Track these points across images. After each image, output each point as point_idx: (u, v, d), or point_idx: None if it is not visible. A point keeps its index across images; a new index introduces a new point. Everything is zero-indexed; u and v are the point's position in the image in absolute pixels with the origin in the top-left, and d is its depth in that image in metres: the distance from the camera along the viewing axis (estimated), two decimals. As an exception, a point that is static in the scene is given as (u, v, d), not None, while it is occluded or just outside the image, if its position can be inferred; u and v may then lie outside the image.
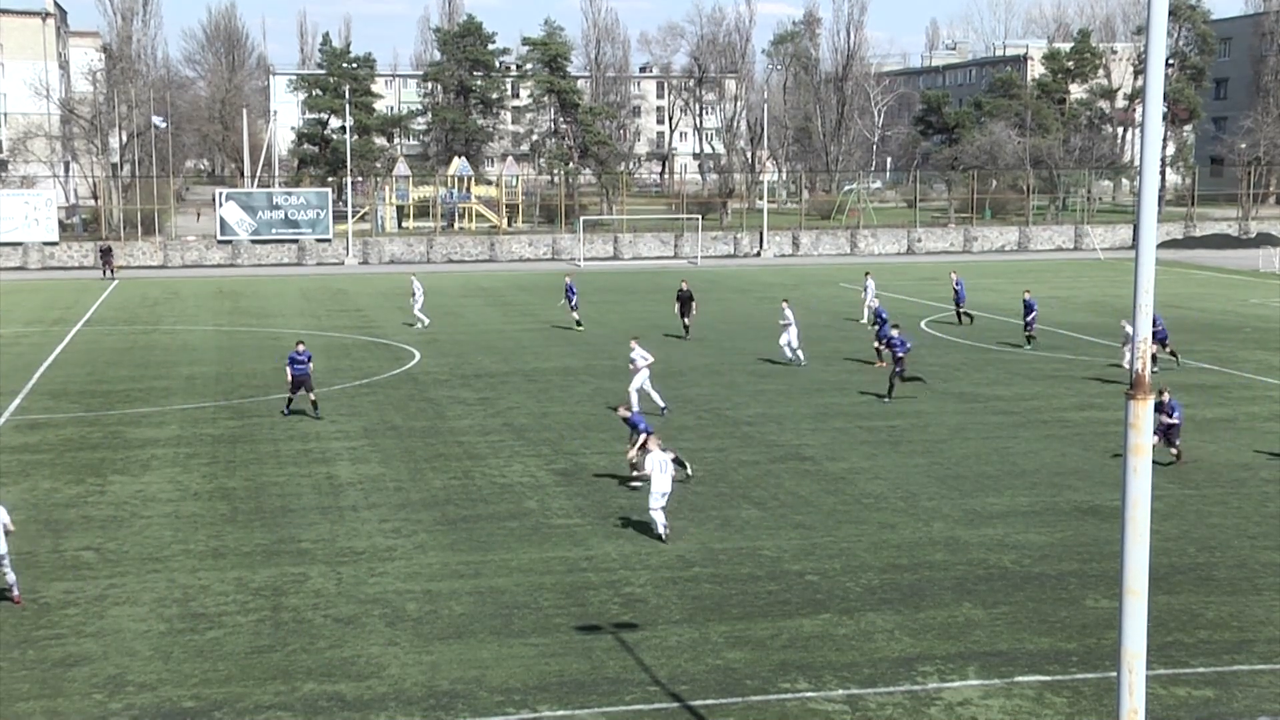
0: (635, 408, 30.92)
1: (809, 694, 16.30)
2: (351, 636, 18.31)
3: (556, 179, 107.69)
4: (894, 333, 36.28)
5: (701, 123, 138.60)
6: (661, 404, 33.20)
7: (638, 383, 32.99)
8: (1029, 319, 44.74)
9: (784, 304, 42.24)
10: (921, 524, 23.68)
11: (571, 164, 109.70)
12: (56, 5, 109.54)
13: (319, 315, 54.79)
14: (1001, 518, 24.07)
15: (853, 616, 18.96)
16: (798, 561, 21.54)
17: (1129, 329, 34.35)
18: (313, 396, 33.67)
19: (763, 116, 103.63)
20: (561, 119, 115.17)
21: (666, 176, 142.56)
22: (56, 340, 48.60)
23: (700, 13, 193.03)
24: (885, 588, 20.18)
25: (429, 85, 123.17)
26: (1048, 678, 16.76)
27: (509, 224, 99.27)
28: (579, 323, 50.45)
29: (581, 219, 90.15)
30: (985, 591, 20.01)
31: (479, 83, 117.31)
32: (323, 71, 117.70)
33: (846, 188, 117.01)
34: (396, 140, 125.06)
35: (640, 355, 32.97)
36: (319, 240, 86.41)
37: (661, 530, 22.62)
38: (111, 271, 76.38)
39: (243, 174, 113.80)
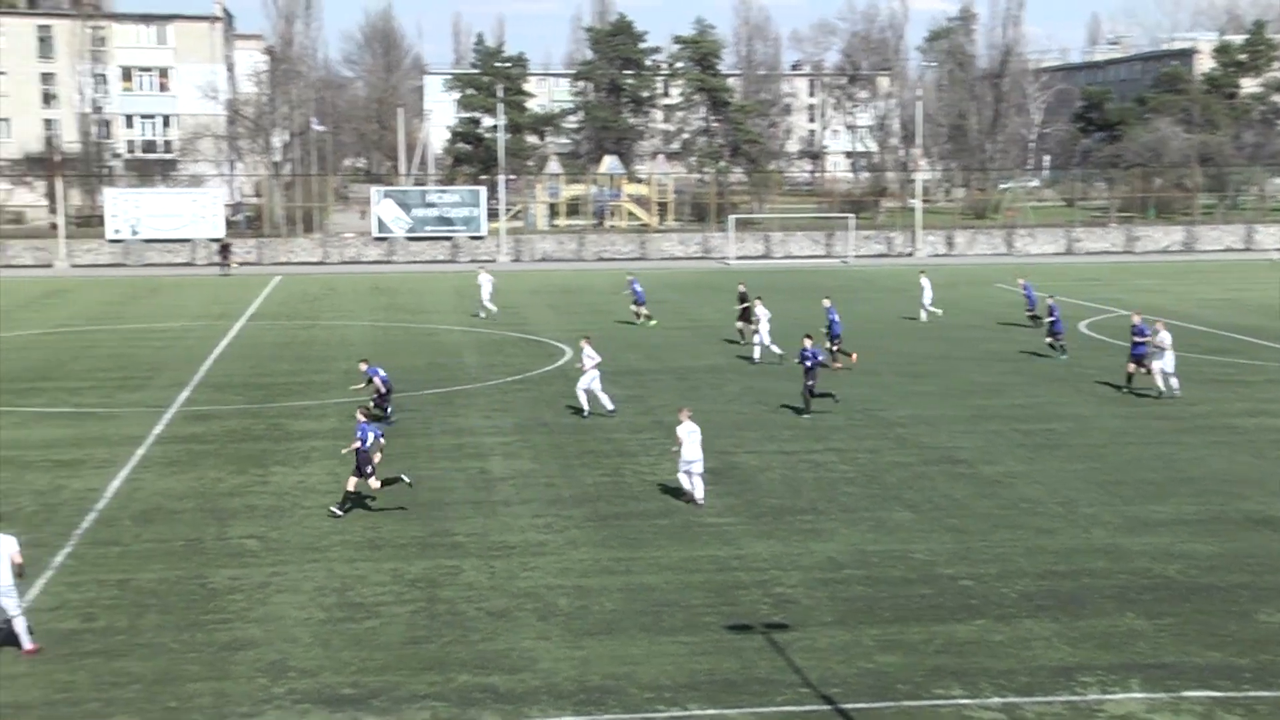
0: (586, 407, 33.05)
1: (964, 700, 16.07)
2: (504, 630, 18.56)
3: (707, 177, 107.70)
4: (807, 344, 33.43)
5: (853, 120, 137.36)
6: (610, 406, 33.31)
7: (585, 383, 33.10)
8: (1052, 324, 42.18)
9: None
10: (1080, 530, 23.18)
11: (722, 162, 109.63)
12: (224, 10, 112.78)
13: (471, 312, 55.56)
14: (1166, 526, 23.44)
15: (1009, 623, 18.64)
16: (951, 565, 21.25)
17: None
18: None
19: (916, 113, 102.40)
20: (712, 117, 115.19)
21: (817, 175, 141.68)
22: (222, 334, 50.09)
23: (853, 9, 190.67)
24: (1042, 595, 19.79)
25: (580, 84, 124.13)
26: (1218, 694, 16.26)
27: (659, 222, 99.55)
28: (649, 318, 51.54)
29: (732, 217, 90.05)
30: (1149, 601, 19.50)
31: (630, 81, 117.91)
32: (476, 71, 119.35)
33: (1002, 186, 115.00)
34: (549, 138, 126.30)
35: (589, 356, 33.04)
36: (472, 237, 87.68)
37: (694, 496, 24.70)
38: (229, 267, 78.44)
39: (398, 172, 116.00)
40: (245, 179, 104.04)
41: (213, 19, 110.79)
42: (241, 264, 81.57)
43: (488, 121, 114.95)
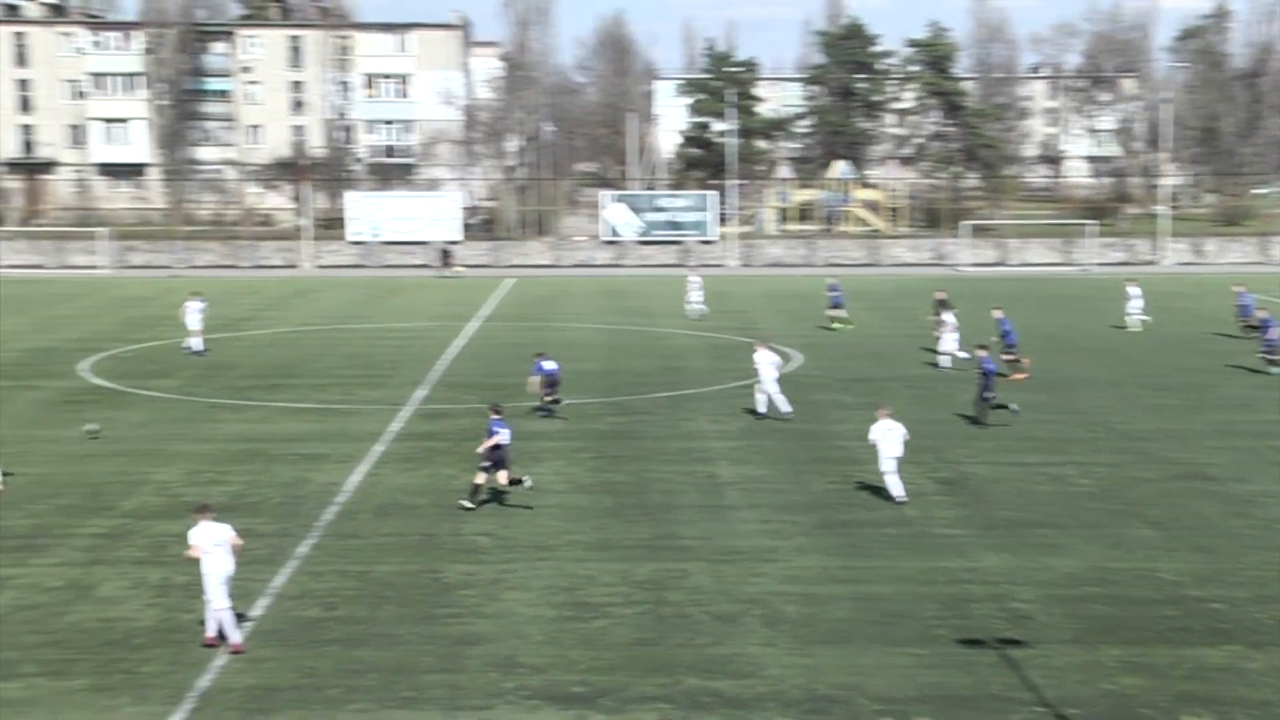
0: (762, 409, 33.63)
1: (1213, 728, 15.40)
2: (731, 635, 18.55)
3: (940, 182, 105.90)
4: (981, 354, 33.47)
5: (1094, 124, 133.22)
6: (786, 409, 33.48)
7: (766, 386, 33.54)
8: (1268, 337, 40.12)
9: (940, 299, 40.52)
10: (1341, 555, 21.97)
11: (956, 167, 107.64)
12: (463, 18, 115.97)
13: (701, 316, 55.77)
14: None
15: (1264, 650, 17.77)
16: (1199, 587, 20.38)
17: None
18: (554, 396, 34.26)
19: (1164, 116, 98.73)
20: (946, 121, 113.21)
21: (1056, 180, 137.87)
22: (457, 334, 51.41)
23: (1097, 10, 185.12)
24: (1300, 621, 18.83)
25: (811, 88, 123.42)
26: None
27: (890, 228, 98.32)
28: (847, 322, 51.88)
29: (965, 223, 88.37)
30: None
31: (862, 85, 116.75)
32: (707, 76, 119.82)
33: (1258, 191, 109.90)
34: (779, 143, 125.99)
35: (766, 360, 33.50)
36: (702, 242, 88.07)
37: (895, 495, 25.22)
38: (449, 269, 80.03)
39: (628, 176, 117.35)
40: (480, 183, 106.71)
41: (452, 27, 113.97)
42: (473, 266, 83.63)
43: (718, 126, 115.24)
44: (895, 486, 25.39)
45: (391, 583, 20.81)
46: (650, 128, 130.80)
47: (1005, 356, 39.35)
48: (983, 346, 34.00)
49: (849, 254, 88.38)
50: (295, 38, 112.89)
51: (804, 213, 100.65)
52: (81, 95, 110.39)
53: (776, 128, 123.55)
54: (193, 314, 45.74)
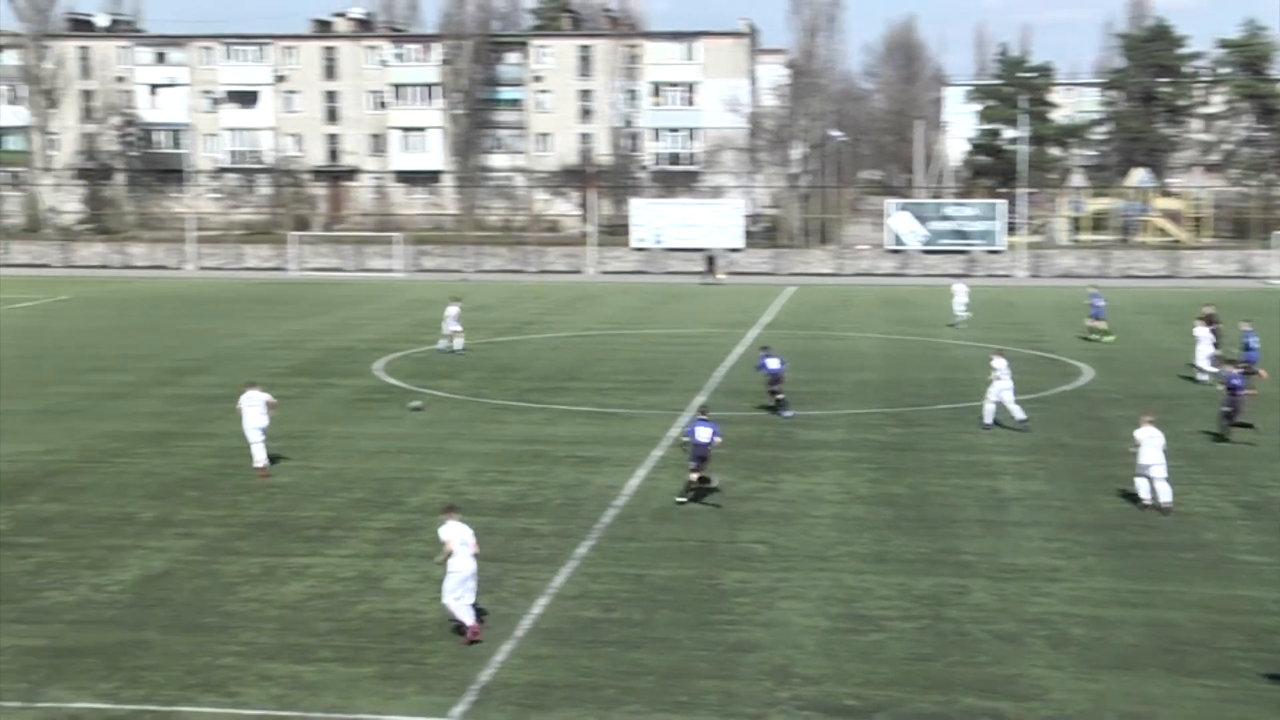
0: (989, 420, 33.60)
1: None
2: (1013, 655, 18.09)
3: (1250, 190, 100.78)
4: (1230, 370, 33.30)
5: None
6: (1020, 417, 33.51)
7: (994, 394, 33.74)
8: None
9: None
10: None
11: (1269, 174, 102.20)
12: (750, 25, 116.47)
13: (985, 327, 54.61)
14: None
15: None
16: None
17: None
18: (781, 396, 35.65)
19: None
20: (1260, 125, 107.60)
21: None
22: (737, 342, 51.68)
23: None
24: None
25: (1110, 93, 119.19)
26: None
27: (1193, 238, 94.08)
28: (1106, 333, 51.31)
29: (1278, 234, 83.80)
30: None
31: (1166, 89, 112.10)
32: (999, 81, 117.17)
33: None
34: (1073, 150, 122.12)
35: (1000, 370, 33.75)
36: (989, 252, 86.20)
37: (1159, 502, 25.59)
38: (715, 277, 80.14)
39: (914, 184, 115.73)
40: (763, 191, 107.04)
41: (739, 35, 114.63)
42: (752, 274, 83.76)
43: (1008, 133, 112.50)
44: (1161, 494, 25.29)
45: (668, 587, 21.05)
46: (938, 135, 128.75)
47: (1239, 369, 37.44)
48: (1231, 361, 32.62)
49: (1147, 265, 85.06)
50: (585, 47, 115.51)
51: (1098, 222, 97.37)
52: (383, 105, 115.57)
53: (1071, 134, 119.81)
54: (451, 318, 47.61)
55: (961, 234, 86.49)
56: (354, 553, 22.91)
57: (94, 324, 57.24)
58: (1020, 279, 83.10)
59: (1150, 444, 25.31)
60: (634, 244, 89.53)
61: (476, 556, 18.97)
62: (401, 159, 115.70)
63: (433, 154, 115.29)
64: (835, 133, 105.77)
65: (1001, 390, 33.68)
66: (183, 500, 26.45)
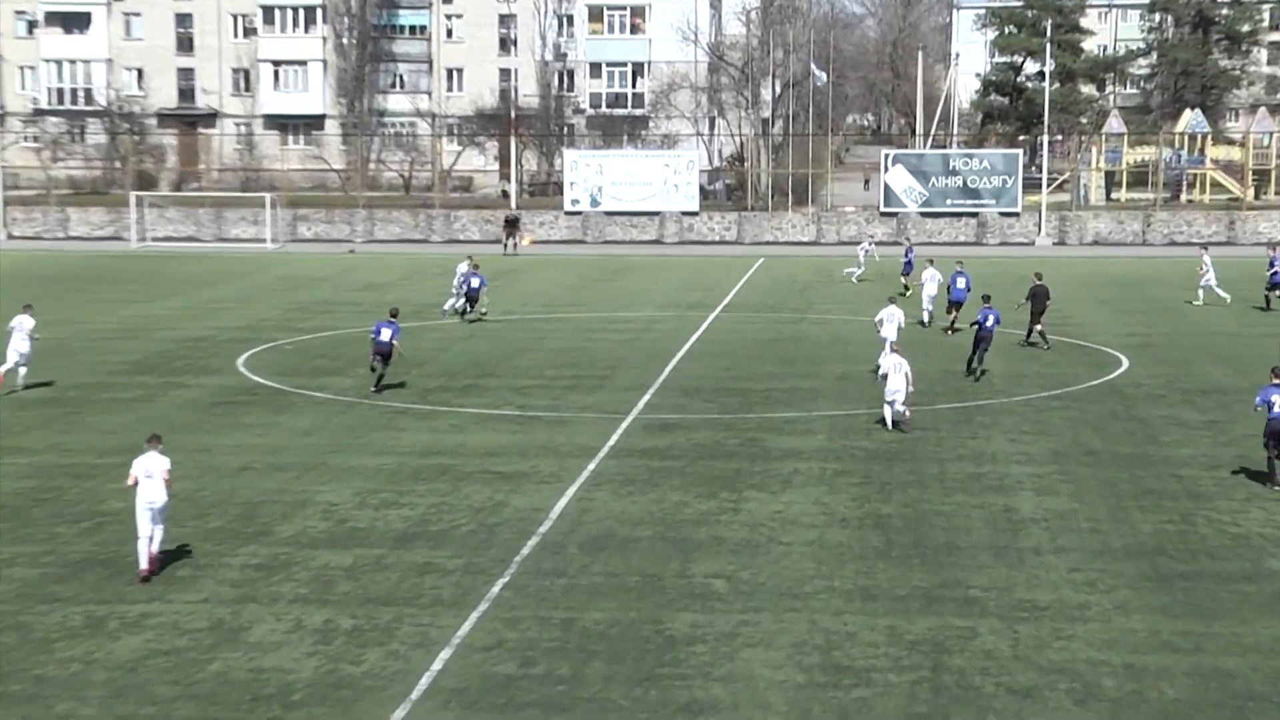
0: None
1: None
2: (1030, 712, 18.19)
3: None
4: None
5: None
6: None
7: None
8: None
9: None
10: None
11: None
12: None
13: (999, 306, 54.82)
14: None
15: None
16: None
17: None
18: (383, 370, 39.30)
19: None
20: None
21: None
22: (692, 327, 51.73)
23: None
24: None
25: (1156, 18, 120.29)
26: None
27: (1256, 195, 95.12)
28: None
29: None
30: None
31: (1224, 12, 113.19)
32: (1019, 4, 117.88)
33: None
34: (1109, 88, 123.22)
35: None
36: (1004, 214, 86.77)
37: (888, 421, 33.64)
38: (515, 245, 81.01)
39: (913, 131, 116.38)
40: (727, 140, 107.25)
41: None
42: (706, 243, 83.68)
43: (1031, 67, 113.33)
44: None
45: (603, 634, 21.00)
46: (944, 70, 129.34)
47: None
48: None
49: (1198, 229, 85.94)
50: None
51: (1139, 177, 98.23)
52: (250, 32, 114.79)
53: (1107, 69, 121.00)
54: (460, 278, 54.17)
55: (971, 192, 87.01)
56: (207, 597, 22.70)
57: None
58: (1043, 247, 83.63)
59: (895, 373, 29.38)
60: (567, 207, 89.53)
61: (168, 485, 23.40)
62: (274, 100, 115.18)
63: (314, 94, 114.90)
64: (817, 68, 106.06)
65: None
66: (-8, 532, 26.16)
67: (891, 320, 41.87)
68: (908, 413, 34.23)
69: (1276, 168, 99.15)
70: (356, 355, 44.89)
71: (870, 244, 69.95)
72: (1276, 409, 28.73)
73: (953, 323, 49.49)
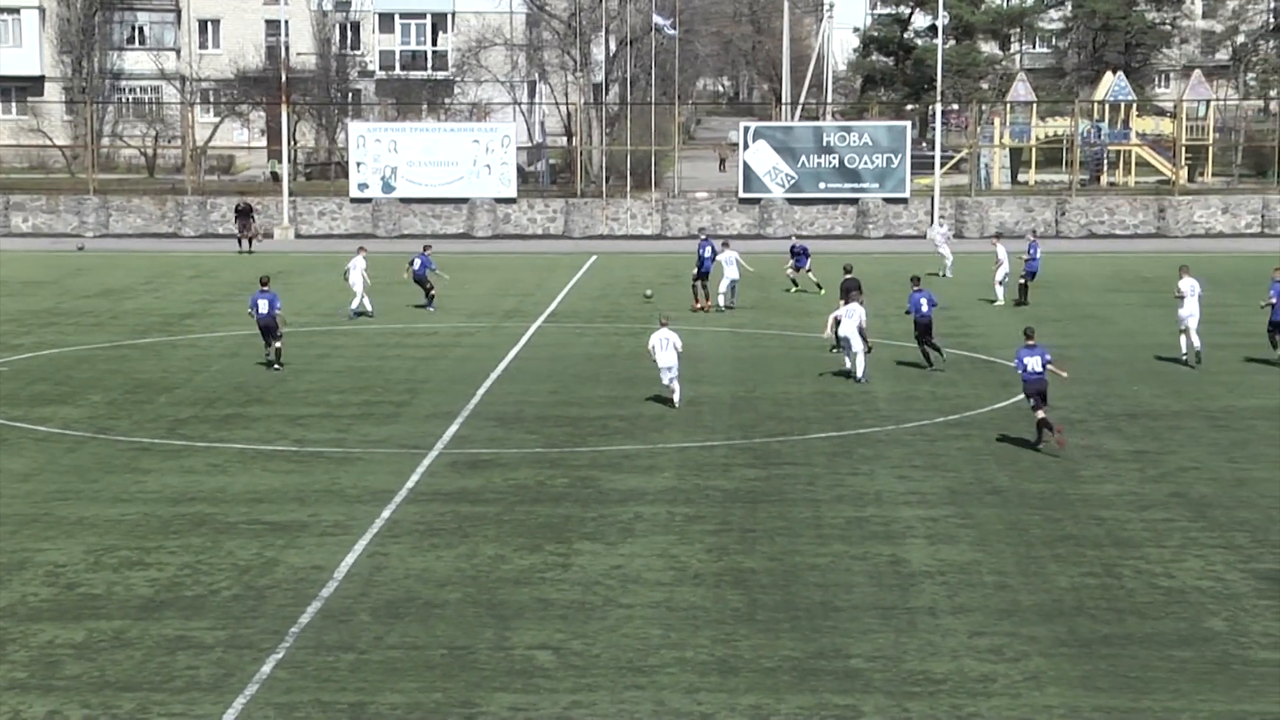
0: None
1: None
2: (924, 810, 18.43)
3: (1274, 107, 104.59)
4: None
5: None
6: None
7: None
8: None
9: None
10: None
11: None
12: None
13: (885, 316, 55.60)
14: None
15: None
16: None
17: None
18: (278, 345, 45.45)
19: None
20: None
21: None
22: (510, 341, 51.71)
23: None
24: None
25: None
26: None
27: (1190, 177, 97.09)
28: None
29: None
30: None
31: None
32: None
33: None
34: (1015, 47, 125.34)
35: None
36: (889, 200, 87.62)
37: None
38: (250, 241, 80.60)
39: (779, 100, 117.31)
40: (550, 110, 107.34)
41: None
42: (526, 237, 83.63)
43: (921, 21, 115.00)
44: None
45: (401, 721, 20.98)
46: (816, 25, 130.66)
47: None
48: None
49: (1121, 219, 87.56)
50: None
51: (1051, 155, 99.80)
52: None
53: (1012, 23, 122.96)
54: (356, 273, 57.22)
55: (849, 173, 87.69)
56: (-98, 682, 22.30)
57: None
58: (935, 240, 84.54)
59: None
60: (354, 192, 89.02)
61: None
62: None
63: (28, 51, 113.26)
64: (662, 21, 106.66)
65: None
66: None
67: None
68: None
69: (1214, 144, 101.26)
70: (88, 378, 44.33)
71: (943, 227, 73.45)
72: (1030, 369, 35.73)
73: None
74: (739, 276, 59.09)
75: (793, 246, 65.95)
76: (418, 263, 59.13)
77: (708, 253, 60.00)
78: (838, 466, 34.65)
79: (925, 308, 45.28)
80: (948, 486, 32.88)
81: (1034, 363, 35.66)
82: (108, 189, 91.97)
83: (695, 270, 60.22)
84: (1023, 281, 60.81)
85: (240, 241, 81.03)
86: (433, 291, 59.00)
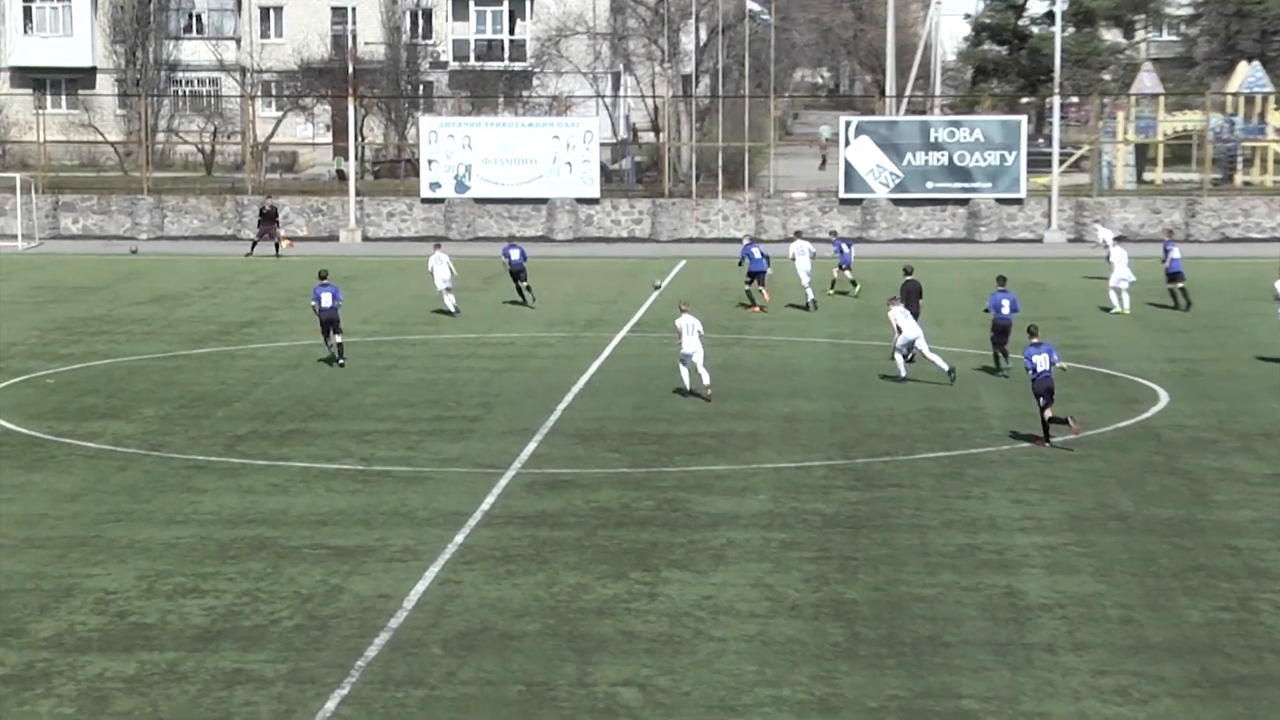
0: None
1: None
2: None
3: None
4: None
5: None
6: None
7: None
8: None
9: None
10: None
11: None
12: None
13: (983, 323, 55.20)
14: None
15: None
16: None
17: None
18: (339, 339, 48.16)
19: None
20: None
21: None
22: (591, 352, 51.71)
23: None
24: None
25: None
26: None
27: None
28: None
29: None
30: None
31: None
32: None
33: None
34: (1140, 34, 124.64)
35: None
36: (1002, 200, 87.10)
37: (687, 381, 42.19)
38: (276, 246, 78.82)
39: (882, 92, 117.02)
40: (637, 104, 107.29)
41: None
42: (609, 240, 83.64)
43: (1037, 6, 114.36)
44: None
45: (473, 763, 20.98)
46: (924, 13, 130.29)
47: None
48: None
49: (1257, 220, 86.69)
50: None
51: (1179, 152, 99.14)
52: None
53: (1136, 9, 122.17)
54: (443, 268, 59.10)
55: (959, 171, 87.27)
56: (-60, 717, 22.44)
57: None
58: (1053, 244, 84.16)
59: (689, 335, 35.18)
60: (425, 192, 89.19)
61: None
62: (26, 49, 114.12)
63: (80, 41, 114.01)
64: (756, 7, 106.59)
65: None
66: None
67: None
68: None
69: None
70: (141, 391, 44.57)
71: (1107, 231, 71.00)
72: (1039, 368, 37.57)
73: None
74: (811, 269, 61.40)
75: (836, 243, 67.29)
76: (515, 253, 61.48)
77: (757, 253, 61.92)
78: (947, 489, 34.47)
79: (1006, 309, 46.29)
80: (1067, 512, 32.65)
81: (1042, 361, 37.58)
82: (163, 188, 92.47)
83: (748, 274, 62.12)
84: (1179, 285, 60.71)
85: (274, 245, 79.57)
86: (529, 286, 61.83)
